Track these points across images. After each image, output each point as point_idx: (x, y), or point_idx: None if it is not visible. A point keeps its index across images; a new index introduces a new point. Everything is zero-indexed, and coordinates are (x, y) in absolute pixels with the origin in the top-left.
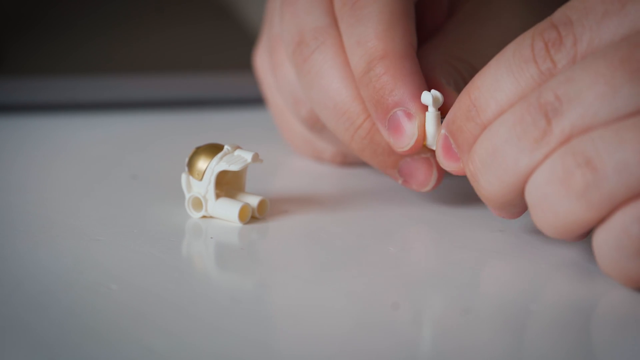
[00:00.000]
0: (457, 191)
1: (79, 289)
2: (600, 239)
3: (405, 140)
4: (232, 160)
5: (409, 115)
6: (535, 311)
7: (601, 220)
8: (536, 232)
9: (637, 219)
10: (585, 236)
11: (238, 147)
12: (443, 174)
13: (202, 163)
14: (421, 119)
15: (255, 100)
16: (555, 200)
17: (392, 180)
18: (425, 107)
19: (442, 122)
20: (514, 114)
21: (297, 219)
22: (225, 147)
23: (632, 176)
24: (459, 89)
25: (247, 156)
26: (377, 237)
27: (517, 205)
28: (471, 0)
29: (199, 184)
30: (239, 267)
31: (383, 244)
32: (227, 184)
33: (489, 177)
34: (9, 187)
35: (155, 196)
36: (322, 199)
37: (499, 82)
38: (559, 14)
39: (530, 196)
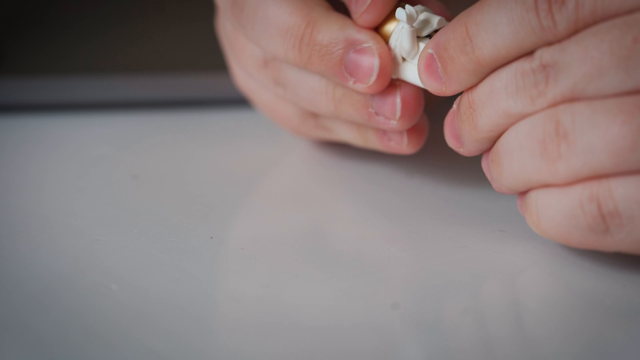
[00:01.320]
0: (458, 191)
1: (79, 289)
2: (552, 201)
3: (368, 74)
4: (418, 24)
5: (361, 51)
6: (535, 310)
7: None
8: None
9: (594, 197)
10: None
11: (425, 10)
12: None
13: (389, 25)
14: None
15: None
16: (527, 155)
17: (392, 180)
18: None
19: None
20: (516, 68)
21: (296, 219)
22: (410, 10)
23: (595, 160)
24: None
25: (434, 20)
26: (377, 237)
27: (488, 145)
28: None
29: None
30: (239, 267)
31: (383, 244)
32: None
33: (482, 113)
34: (9, 187)
35: (155, 196)
36: (321, 198)
37: (497, 26)
38: None
39: (507, 140)
